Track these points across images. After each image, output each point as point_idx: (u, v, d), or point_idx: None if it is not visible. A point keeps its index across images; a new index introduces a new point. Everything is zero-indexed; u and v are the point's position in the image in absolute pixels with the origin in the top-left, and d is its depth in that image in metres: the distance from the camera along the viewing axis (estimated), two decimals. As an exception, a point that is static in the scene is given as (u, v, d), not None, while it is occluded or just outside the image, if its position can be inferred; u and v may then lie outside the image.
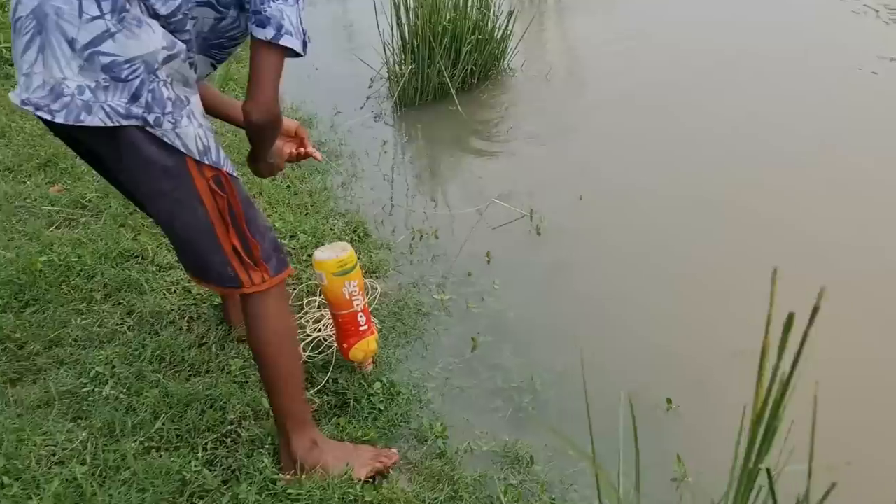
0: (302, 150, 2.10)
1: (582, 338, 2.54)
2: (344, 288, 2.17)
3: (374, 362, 2.35)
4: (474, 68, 4.42)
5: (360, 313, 2.22)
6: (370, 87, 4.48)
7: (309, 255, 2.72)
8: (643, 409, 2.19)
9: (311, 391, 2.24)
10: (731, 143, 3.73)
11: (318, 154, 2.14)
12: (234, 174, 1.66)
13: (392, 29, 4.23)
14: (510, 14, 4.45)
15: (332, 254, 2.16)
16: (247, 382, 2.25)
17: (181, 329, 2.43)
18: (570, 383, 2.35)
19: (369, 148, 3.84)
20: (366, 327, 2.24)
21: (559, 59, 4.87)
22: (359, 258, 2.80)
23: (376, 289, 2.69)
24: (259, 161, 1.87)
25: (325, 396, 2.24)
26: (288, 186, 3.35)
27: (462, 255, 2.97)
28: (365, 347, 2.24)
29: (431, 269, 2.89)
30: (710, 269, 2.87)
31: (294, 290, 2.66)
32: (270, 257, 1.72)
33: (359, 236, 3.03)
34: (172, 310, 2.50)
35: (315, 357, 2.36)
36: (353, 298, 2.19)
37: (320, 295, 2.52)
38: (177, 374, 2.26)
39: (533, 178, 3.54)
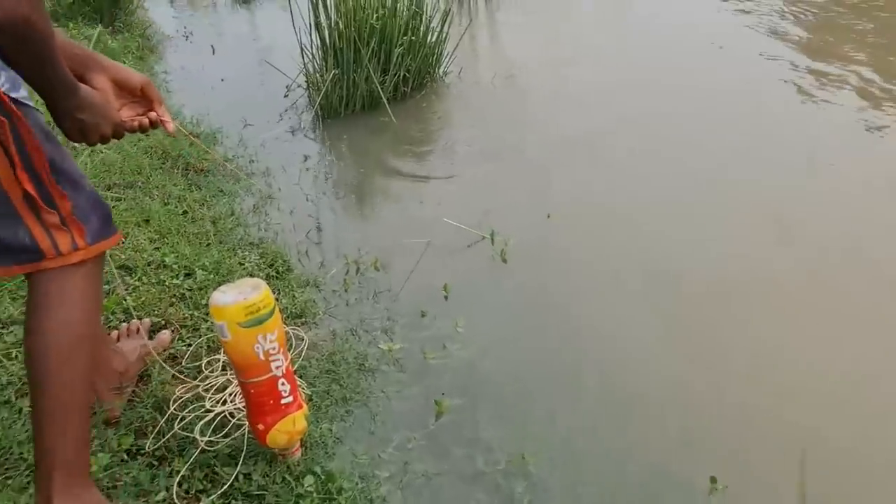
0: (153, 115, 1.41)
1: (579, 392, 1.94)
2: (257, 345, 1.49)
3: (303, 445, 1.67)
4: (407, 74, 3.85)
5: (282, 379, 1.55)
6: (286, 96, 3.84)
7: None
8: (680, 494, 1.63)
9: (214, 494, 1.55)
10: (708, 150, 3.27)
11: (169, 124, 1.45)
12: (27, 102, 1.18)
13: (311, 30, 3.61)
14: (445, 13, 3.91)
15: (238, 295, 1.48)
16: (115, 488, 1.54)
17: (19, 412, 1.69)
18: (574, 458, 1.75)
19: (287, 164, 3.18)
20: (290, 398, 1.57)
21: (498, 66, 4.35)
22: (278, 300, 2.14)
23: (302, 339, 2.03)
24: (58, 114, 1.21)
25: (233, 502, 1.55)
26: (185, 212, 2.65)
27: (411, 289, 2.34)
28: (289, 428, 1.56)
29: (374, 310, 2.24)
30: (713, 293, 2.34)
31: (190, 347, 1.96)
32: (88, 216, 1.28)
33: (277, 272, 2.35)
34: (9, 383, 1.77)
35: (218, 443, 1.66)
36: (271, 358, 1.52)
37: (224, 354, 1.83)
38: (6, 482, 1.52)
39: (487, 196, 2.96)
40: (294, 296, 2.23)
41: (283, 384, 1.55)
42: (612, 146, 3.31)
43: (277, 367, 1.54)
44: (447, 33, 4.00)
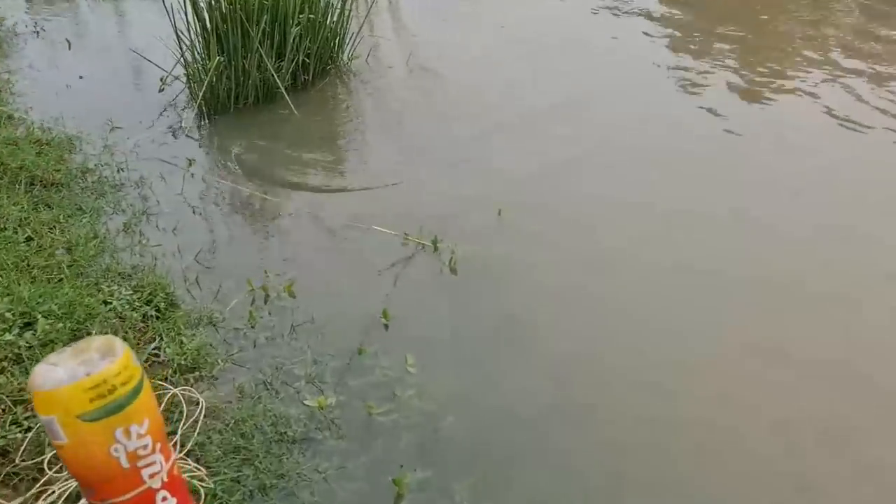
0: None
1: (576, 442, 1.47)
2: (115, 446, 0.93)
3: (205, 577, 1.12)
4: (307, 60, 3.29)
5: (163, 492, 0.99)
6: (161, 91, 3.19)
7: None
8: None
9: None
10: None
11: None
12: None
13: (187, 12, 3.00)
14: (347, -12, 3.38)
15: (77, 368, 0.92)
16: None
17: None
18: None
19: (167, 171, 2.56)
20: (179, 517, 1.01)
21: (408, 49, 3.84)
22: (159, 348, 1.56)
23: (197, 404, 1.46)
24: None
25: None
26: (28, 239, 2.01)
27: (340, 317, 1.81)
28: (181, 563, 1.01)
29: (293, 351, 1.69)
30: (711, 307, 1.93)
31: (28, 433, 1.35)
32: None
33: (158, 310, 1.76)
34: None
35: None
36: (142, 463, 0.96)
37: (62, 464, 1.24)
38: None
39: (418, 197, 2.46)
40: (182, 341, 1.65)
41: (164, 500, 1.00)
42: (546, 131, 2.89)
43: (153, 476, 0.98)
44: (350, 11, 3.47)
